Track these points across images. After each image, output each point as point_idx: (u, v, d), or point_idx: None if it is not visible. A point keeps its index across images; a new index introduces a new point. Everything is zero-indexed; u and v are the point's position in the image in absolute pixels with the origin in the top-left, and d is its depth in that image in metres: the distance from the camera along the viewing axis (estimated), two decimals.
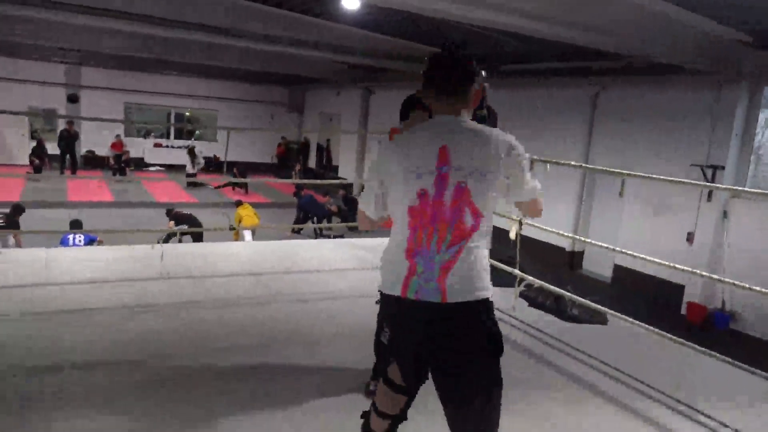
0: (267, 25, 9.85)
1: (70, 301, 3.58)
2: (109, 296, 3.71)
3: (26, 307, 3.44)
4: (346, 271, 4.79)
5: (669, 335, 3.24)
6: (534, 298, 4.07)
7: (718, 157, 7.66)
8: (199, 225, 8.77)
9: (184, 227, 8.61)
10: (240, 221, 9.63)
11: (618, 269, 9.08)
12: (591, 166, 7.34)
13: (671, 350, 3.50)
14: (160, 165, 19.28)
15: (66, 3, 8.46)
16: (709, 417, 2.71)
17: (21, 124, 17.21)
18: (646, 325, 3.39)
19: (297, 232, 10.65)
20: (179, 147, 19.63)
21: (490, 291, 1.70)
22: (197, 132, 20.88)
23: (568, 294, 3.73)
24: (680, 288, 8.06)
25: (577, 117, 9.88)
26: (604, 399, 2.86)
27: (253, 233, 9.22)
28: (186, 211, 9.59)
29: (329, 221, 11.36)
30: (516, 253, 3.91)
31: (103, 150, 18.44)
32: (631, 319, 3.40)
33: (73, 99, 18.07)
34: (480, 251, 1.69)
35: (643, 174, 4.49)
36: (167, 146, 19.95)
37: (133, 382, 2.66)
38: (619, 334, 3.81)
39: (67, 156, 16.00)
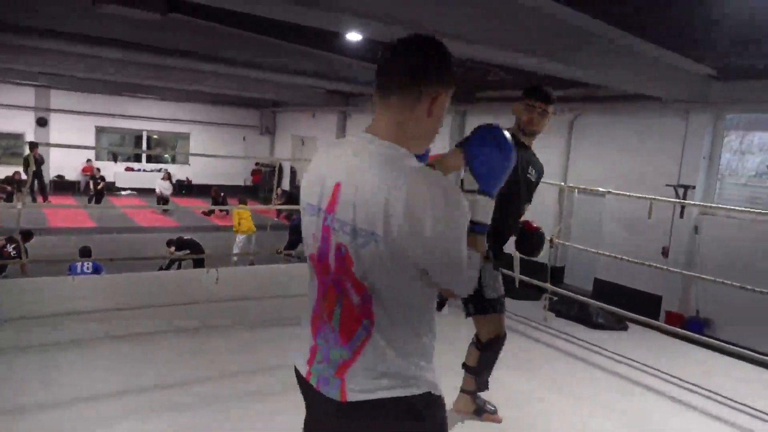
0: (246, 50, 10.15)
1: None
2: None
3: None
4: None
5: (688, 332, 3.77)
6: (560, 310, 4.53)
7: (689, 177, 8.43)
8: (202, 250, 8.91)
9: (187, 252, 8.73)
10: (239, 223, 9.77)
11: (598, 282, 9.72)
12: (581, 186, 7.96)
13: (685, 347, 4.04)
14: (132, 189, 19.08)
15: (35, 28, 8.49)
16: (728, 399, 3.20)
17: None
18: (666, 325, 3.93)
19: (291, 256, 10.84)
20: (151, 170, 19.49)
21: (416, 386, 1.22)
22: (166, 156, 20.76)
23: (596, 303, 4.22)
24: (658, 298, 8.74)
25: (554, 141, 10.57)
26: (644, 388, 3.31)
27: (249, 240, 9.41)
28: (186, 236, 9.70)
29: None
30: (547, 267, 4.37)
31: (72, 174, 18.13)
32: (652, 321, 3.94)
33: (41, 123, 17.76)
34: (396, 342, 1.21)
35: (622, 192, 5.17)
36: (139, 170, 19.75)
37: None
38: (642, 337, 4.29)
39: (35, 181, 15.66)
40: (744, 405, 3.16)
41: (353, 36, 7.88)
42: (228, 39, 9.37)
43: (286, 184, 20.03)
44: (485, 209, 1.28)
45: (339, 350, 1.23)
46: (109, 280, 5.17)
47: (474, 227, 1.24)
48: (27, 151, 16.13)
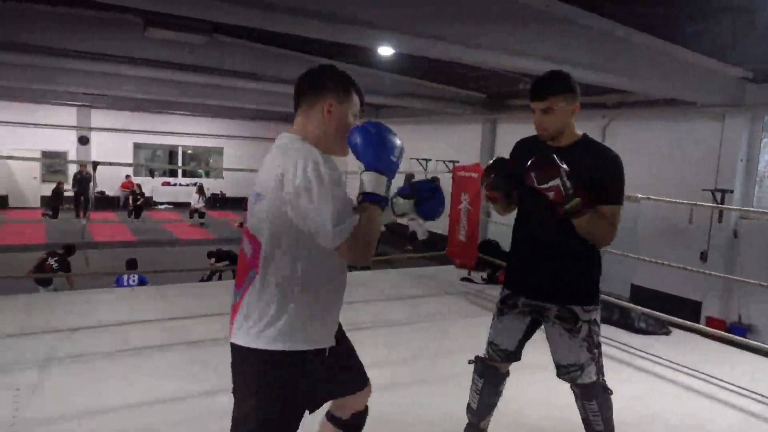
0: (282, 67, 10.42)
1: None
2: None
3: None
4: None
5: (732, 335, 3.77)
6: (601, 315, 4.55)
7: (726, 181, 8.33)
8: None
9: (226, 263, 8.98)
10: None
11: (635, 289, 9.63)
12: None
13: (730, 351, 4.04)
14: (168, 203, 19.62)
15: (76, 50, 8.88)
16: None
17: (33, 168, 17.47)
18: (710, 329, 3.94)
19: None
20: (187, 185, 20.01)
21: (241, 337, 1.51)
22: (201, 170, 21.29)
23: (638, 307, 4.24)
24: (698, 304, 8.63)
25: None
26: (693, 391, 3.34)
27: None
28: (225, 248, 9.97)
29: None
30: None
31: (112, 190, 18.75)
32: (694, 324, 3.95)
33: (83, 141, 18.45)
34: (257, 298, 1.50)
35: (661, 198, 5.16)
36: (175, 184, 20.30)
37: None
38: (686, 341, 4.30)
39: (81, 198, 16.27)
40: None
41: (385, 50, 8.07)
42: (265, 56, 9.67)
43: None
44: (372, 183, 1.49)
45: (234, 296, 1.58)
46: (159, 291, 5.39)
47: (364, 197, 1.48)
48: (75, 169, 16.81)
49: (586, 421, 2.29)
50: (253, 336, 1.52)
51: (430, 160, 13.65)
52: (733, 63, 7.41)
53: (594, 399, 2.23)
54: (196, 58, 9.29)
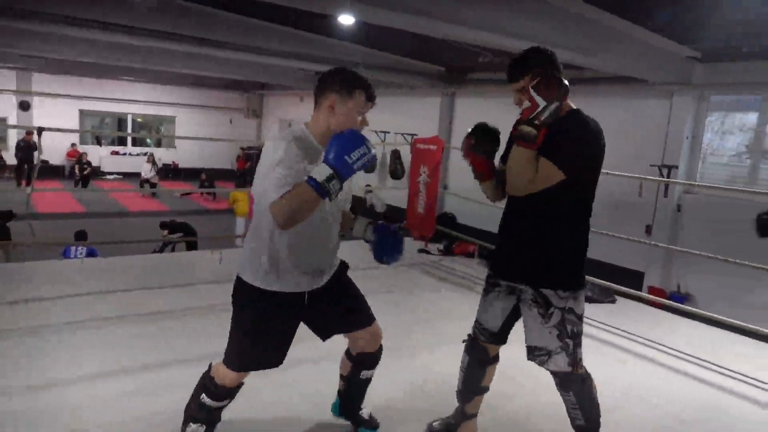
0: (234, 33, 10.09)
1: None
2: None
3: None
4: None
5: (674, 303, 3.99)
6: None
7: (673, 157, 8.67)
8: (194, 233, 8.97)
9: (180, 235, 8.79)
10: (235, 203, 9.83)
11: None
12: None
13: (670, 318, 4.27)
14: (117, 173, 18.95)
15: (18, 9, 8.35)
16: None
17: None
18: (653, 297, 4.15)
19: None
20: (137, 154, 19.35)
21: (244, 273, 2.00)
22: (149, 139, 20.58)
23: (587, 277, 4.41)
24: (641, 275, 9.03)
25: None
26: (636, 356, 3.52)
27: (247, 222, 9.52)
28: (179, 219, 9.74)
29: None
30: None
31: (57, 159, 17.94)
32: (639, 293, 4.15)
33: (24, 106, 17.50)
34: (249, 242, 2.01)
35: (614, 172, 5.33)
36: (124, 154, 19.59)
37: None
38: (629, 309, 4.51)
39: (25, 166, 15.52)
40: (728, 369, 3.38)
41: (345, 19, 7.92)
42: (216, 22, 9.33)
43: None
44: (318, 171, 1.76)
45: None
46: (109, 263, 5.24)
47: (307, 180, 1.76)
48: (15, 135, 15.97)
49: (568, 414, 2.26)
50: (243, 267, 2.01)
51: (388, 132, 13.61)
52: (682, 42, 7.65)
53: (569, 390, 2.21)
54: (145, 21, 8.89)
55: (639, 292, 4.40)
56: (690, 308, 4.26)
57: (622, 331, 3.94)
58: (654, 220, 8.90)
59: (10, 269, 4.87)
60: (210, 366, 2.16)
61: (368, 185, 13.60)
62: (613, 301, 4.56)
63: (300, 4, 6.18)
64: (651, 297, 4.47)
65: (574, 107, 2.22)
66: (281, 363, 2.08)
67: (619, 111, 9.63)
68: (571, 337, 2.15)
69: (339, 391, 2.44)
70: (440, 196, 8.31)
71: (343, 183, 1.78)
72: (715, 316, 3.81)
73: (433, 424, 2.51)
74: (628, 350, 3.64)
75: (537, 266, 2.13)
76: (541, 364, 2.20)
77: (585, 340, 3.68)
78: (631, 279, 8.99)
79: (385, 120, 14.12)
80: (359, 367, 2.31)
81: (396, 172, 11.52)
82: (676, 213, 8.77)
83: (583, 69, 9.17)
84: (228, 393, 2.12)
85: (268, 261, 1.95)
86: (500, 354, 2.40)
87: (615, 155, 9.76)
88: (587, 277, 4.39)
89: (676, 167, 8.63)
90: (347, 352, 2.34)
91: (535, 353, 2.19)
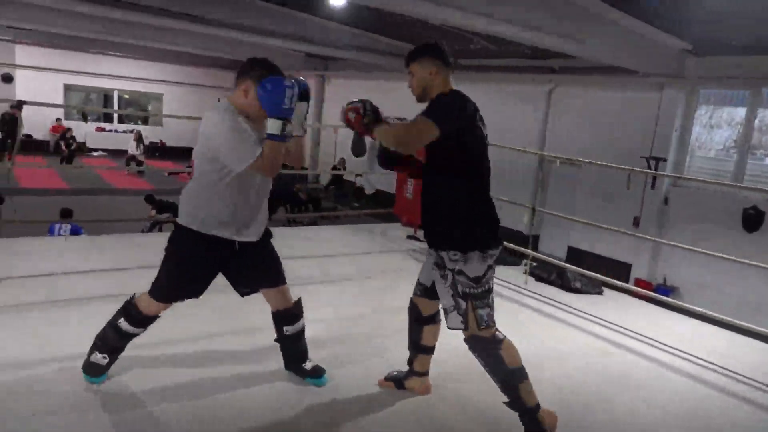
0: (223, 10, 9.92)
1: None
2: None
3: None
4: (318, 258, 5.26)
5: (660, 296, 4.01)
6: (540, 275, 4.74)
7: (661, 150, 8.71)
8: None
9: (168, 215, 8.69)
10: None
11: (571, 250, 10.05)
12: (558, 156, 8.13)
13: (656, 311, 4.31)
14: (103, 149, 18.67)
15: None
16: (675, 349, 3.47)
17: None
18: (640, 289, 4.18)
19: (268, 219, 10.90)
20: (123, 131, 19.06)
21: (180, 218, 2.37)
22: (134, 114, 20.26)
23: (572, 268, 4.43)
24: (628, 266, 9.12)
25: (533, 111, 10.73)
26: (622, 348, 3.55)
27: None
28: (168, 199, 9.61)
29: (300, 209, 11.68)
30: (529, 235, 4.55)
31: (40, 133, 17.61)
32: (626, 285, 4.18)
33: (6, 79, 17.11)
34: (191, 197, 2.35)
35: (603, 163, 5.35)
36: (110, 130, 19.28)
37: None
38: (616, 301, 4.54)
39: (7, 140, 15.20)
40: (711, 363, 3.42)
41: (336, 0, 7.82)
42: None
43: None
44: (271, 126, 2.17)
45: None
46: (94, 242, 5.16)
47: (267, 136, 2.19)
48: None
49: None
50: (183, 216, 2.37)
51: None
52: (675, 34, 7.64)
53: (474, 351, 2.32)
54: None
55: (626, 284, 4.43)
56: (674, 301, 4.29)
57: (608, 322, 3.97)
58: (642, 212, 8.97)
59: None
60: (133, 296, 2.49)
61: (359, 174, 13.60)
62: (601, 293, 4.59)
63: None
64: (637, 289, 4.51)
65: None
66: (197, 297, 2.44)
67: (609, 102, 9.65)
68: (462, 297, 2.26)
69: (280, 349, 2.73)
70: None
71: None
72: (698, 309, 3.84)
73: (391, 373, 2.74)
74: (613, 342, 3.67)
75: (433, 230, 2.36)
76: (445, 323, 2.36)
77: (571, 330, 3.74)
78: (619, 270, 9.09)
79: (376, 103, 14.04)
80: (280, 324, 2.62)
81: (387, 159, 11.47)
82: (663, 205, 8.84)
83: (573, 58, 9.15)
84: (146, 320, 2.47)
85: (210, 212, 2.31)
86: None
87: (604, 146, 9.88)
88: (576, 268, 4.43)
89: (665, 160, 8.68)
90: (271, 314, 2.64)
91: (440, 314, 2.45)
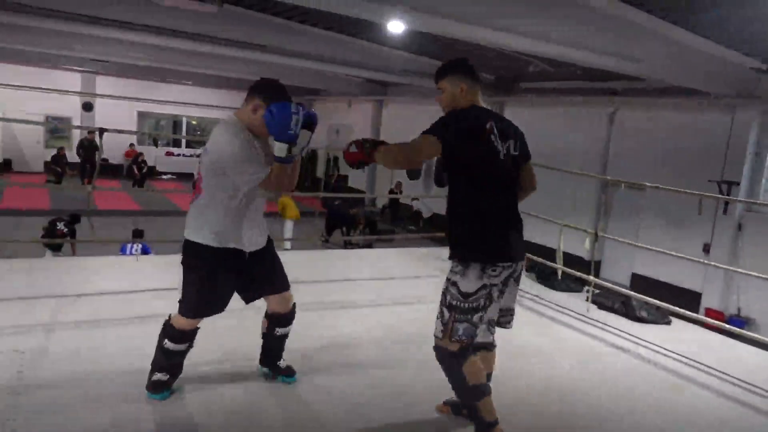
0: (290, 39, 10.28)
1: None
2: None
3: None
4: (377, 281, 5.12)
5: (734, 328, 3.78)
6: (603, 302, 4.58)
7: (733, 173, 8.29)
8: None
9: None
10: (284, 209, 10.00)
11: (636, 278, 9.66)
12: (622, 180, 7.86)
13: (730, 343, 4.07)
14: (172, 173, 19.60)
15: (84, 15, 8.78)
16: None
17: (36, 133, 17.42)
18: (712, 320, 3.96)
19: (326, 242, 11.08)
20: (190, 156, 19.97)
21: (191, 235, 2.46)
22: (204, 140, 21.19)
23: (637, 296, 4.26)
24: (697, 295, 8.66)
25: (594, 134, 10.48)
26: (692, 383, 3.36)
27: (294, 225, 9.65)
28: None
29: (356, 231, 11.82)
30: (590, 261, 4.42)
31: (115, 158, 18.70)
32: (696, 315, 3.97)
33: (87, 107, 18.36)
34: (201, 212, 2.44)
35: (665, 186, 5.08)
36: (178, 155, 20.25)
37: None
38: (686, 331, 4.31)
39: (87, 165, 16.24)
40: None
41: (395, 26, 7.94)
42: (271, 28, 9.55)
43: (320, 172, 20.28)
44: (277, 149, 2.32)
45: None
46: (163, 260, 5.40)
47: (274, 159, 2.35)
48: (78, 135, 16.73)
49: None
50: (193, 233, 2.46)
51: None
52: (745, 52, 7.31)
53: (439, 362, 2.36)
54: (203, 27, 9.18)
55: (696, 315, 4.19)
56: (750, 333, 4.02)
57: (678, 354, 3.77)
58: (713, 239, 8.54)
59: (75, 263, 5.09)
60: (169, 316, 2.62)
61: (415, 198, 13.63)
62: (669, 323, 4.38)
63: (356, 13, 6.25)
64: (708, 320, 4.26)
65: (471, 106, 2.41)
66: (223, 310, 2.57)
67: (675, 124, 9.30)
68: (447, 307, 2.31)
69: (262, 345, 2.87)
70: None
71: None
72: None
73: (451, 398, 2.63)
74: (684, 376, 3.48)
75: (449, 238, 2.41)
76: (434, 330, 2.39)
77: (638, 363, 3.57)
78: (688, 299, 8.65)
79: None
80: (274, 325, 2.77)
81: (441, 180, 11.46)
82: (736, 232, 8.39)
83: (636, 79, 8.91)
84: (185, 336, 2.58)
85: (222, 226, 2.44)
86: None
87: (670, 169, 9.53)
88: (641, 296, 4.25)
89: (737, 184, 8.25)
90: (266, 313, 2.79)
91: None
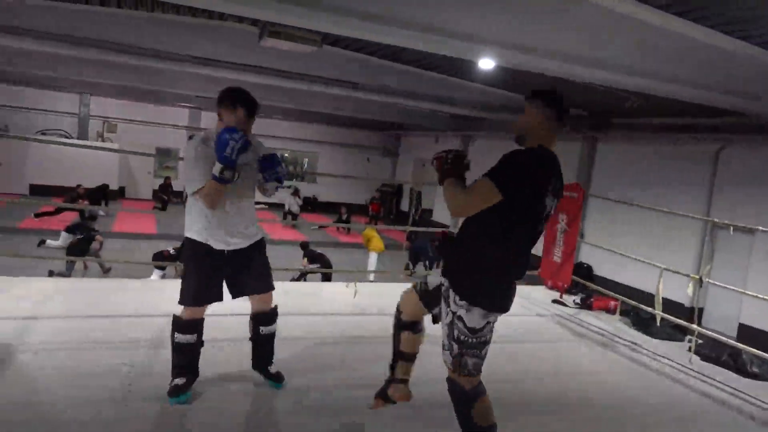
0: (382, 77, 10.57)
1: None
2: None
3: None
4: None
5: None
6: (708, 354, 4.25)
7: None
8: (330, 265, 9.39)
9: (317, 266, 9.24)
10: (369, 241, 10.19)
11: (743, 329, 8.86)
12: (730, 223, 7.28)
13: None
14: (264, 203, 20.53)
15: (195, 56, 9.48)
16: None
17: (148, 163, 18.96)
18: None
19: (410, 275, 11.09)
20: (282, 187, 20.84)
21: (185, 231, 2.77)
22: (296, 175, 22.09)
23: (749, 349, 3.91)
24: None
25: (696, 173, 9.88)
26: None
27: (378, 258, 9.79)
28: (318, 250, 10.27)
29: (439, 265, 11.75)
30: (693, 307, 4.14)
31: None
32: None
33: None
34: (186, 208, 2.81)
35: None
36: None
37: None
38: None
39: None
40: None
41: (486, 63, 8.00)
42: (367, 66, 9.92)
43: (404, 206, 20.50)
44: (216, 168, 2.58)
45: None
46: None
47: (212, 176, 2.59)
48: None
49: None
50: (186, 230, 2.80)
51: None
52: None
53: (450, 393, 2.33)
54: (301, 67, 9.69)
55: None
56: None
57: None
58: None
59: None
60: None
61: None
62: None
63: (442, 49, 6.35)
64: None
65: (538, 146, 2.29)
66: (220, 299, 2.83)
67: None
68: (456, 341, 2.27)
69: (252, 348, 3.05)
70: (577, 245, 7.91)
71: (236, 169, 2.58)
72: None
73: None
74: None
75: (453, 268, 2.34)
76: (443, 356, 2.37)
77: (746, 422, 3.25)
78: None
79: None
80: (257, 324, 2.98)
81: None
82: None
83: (746, 115, 8.34)
84: (189, 326, 2.81)
85: (198, 224, 2.74)
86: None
87: None
88: (757, 351, 3.89)
89: None
90: (250, 315, 3.00)
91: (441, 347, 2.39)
